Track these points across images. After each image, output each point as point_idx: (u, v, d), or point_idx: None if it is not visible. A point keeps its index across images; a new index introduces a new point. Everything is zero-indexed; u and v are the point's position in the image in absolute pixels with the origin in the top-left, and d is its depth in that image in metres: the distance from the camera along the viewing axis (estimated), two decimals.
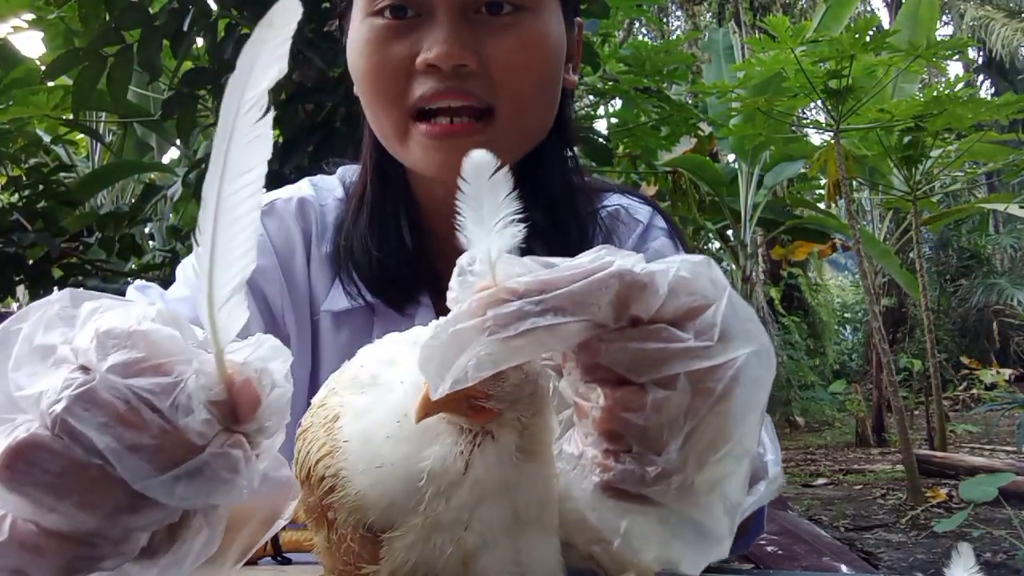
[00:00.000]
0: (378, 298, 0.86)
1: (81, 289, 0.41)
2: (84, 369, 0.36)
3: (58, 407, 0.34)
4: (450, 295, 0.41)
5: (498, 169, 0.41)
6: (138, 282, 0.83)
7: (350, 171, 0.96)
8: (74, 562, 0.35)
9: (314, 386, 0.87)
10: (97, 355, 0.35)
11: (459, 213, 0.41)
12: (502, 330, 0.37)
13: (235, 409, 0.37)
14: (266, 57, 0.39)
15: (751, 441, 0.39)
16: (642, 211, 0.95)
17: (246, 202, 0.39)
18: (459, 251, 0.96)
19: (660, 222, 0.95)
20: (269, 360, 0.39)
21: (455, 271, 0.41)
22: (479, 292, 0.39)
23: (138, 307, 0.38)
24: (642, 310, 0.38)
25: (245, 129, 0.39)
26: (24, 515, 0.35)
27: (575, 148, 0.96)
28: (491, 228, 0.41)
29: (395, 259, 0.86)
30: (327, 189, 0.94)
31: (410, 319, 0.86)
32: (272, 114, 0.37)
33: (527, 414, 0.46)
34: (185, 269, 0.87)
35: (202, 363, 0.37)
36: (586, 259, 0.40)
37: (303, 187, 0.94)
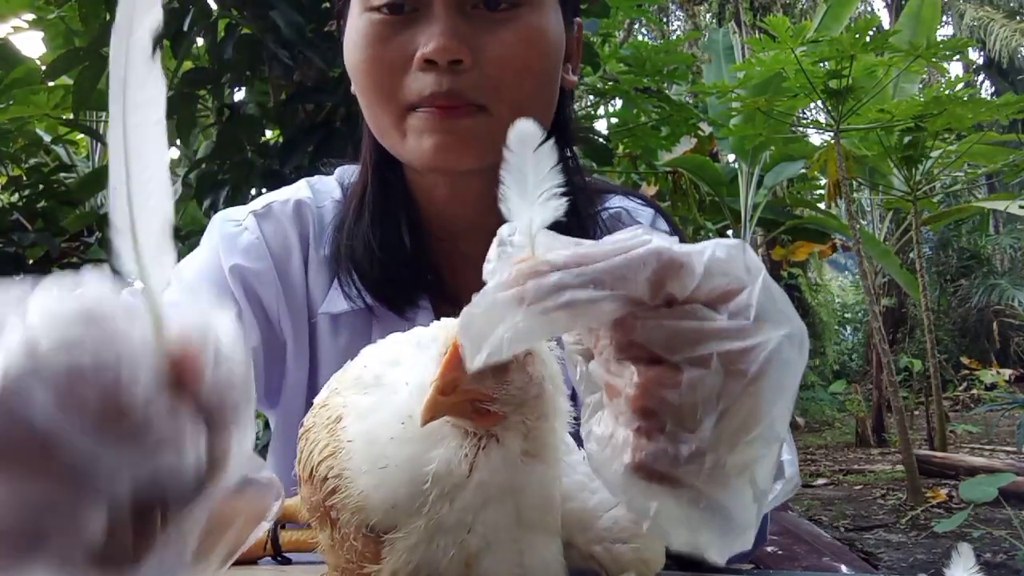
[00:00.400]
0: (377, 300, 0.86)
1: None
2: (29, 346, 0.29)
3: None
4: (487, 267, 0.41)
5: (544, 141, 0.41)
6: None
7: (348, 172, 0.96)
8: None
9: (312, 389, 0.87)
10: (43, 328, 0.29)
11: (502, 183, 0.41)
12: (540, 301, 0.37)
13: (179, 376, 0.30)
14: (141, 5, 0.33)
15: (781, 426, 0.39)
16: (644, 213, 0.95)
17: (154, 143, 0.33)
18: (459, 252, 0.96)
19: (663, 224, 0.95)
20: (210, 316, 0.32)
21: (494, 242, 0.41)
22: (518, 263, 0.39)
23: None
24: (678, 289, 0.38)
25: (139, 68, 0.33)
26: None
27: (575, 148, 0.96)
28: (534, 200, 0.40)
29: (395, 261, 0.85)
30: (325, 191, 0.94)
31: (409, 322, 0.85)
32: (158, 55, 0.32)
33: (532, 417, 0.46)
34: (180, 275, 0.87)
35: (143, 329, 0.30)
36: (624, 236, 0.40)
37: (300, 189, 0.93)
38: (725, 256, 0.39)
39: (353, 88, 0.86)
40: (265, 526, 0.39)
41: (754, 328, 0.38)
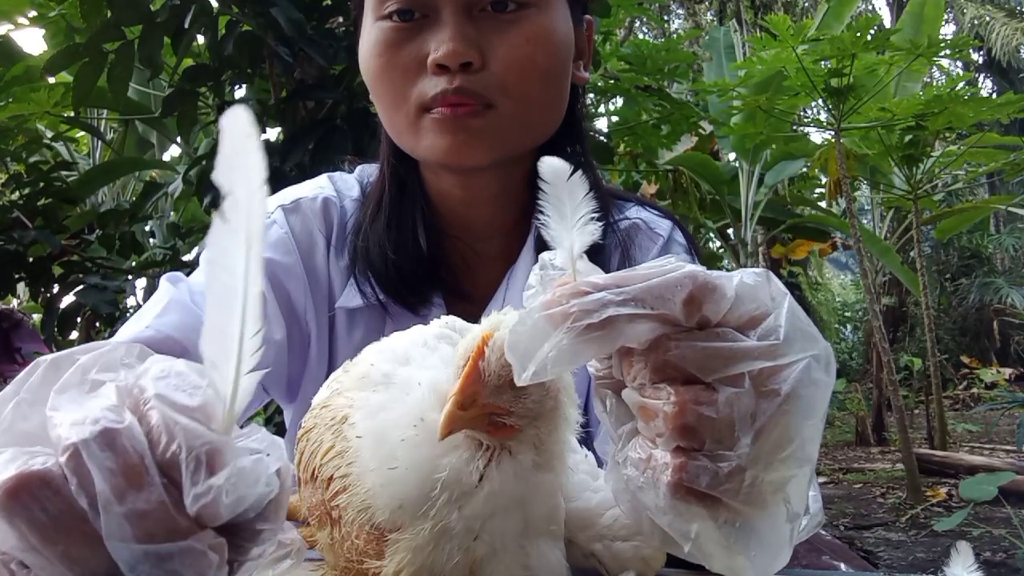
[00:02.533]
0: (391, 298, 0.87)
1: (149, 353, 0.38)
2: (118, 411, 0.34)
3: (76, 436, 0.32)
4: (528, 292, 0.43)
5: (573, 172, 0.44)
6: (170, 274, 0.85)
7: (368, 171, 0.98)
8: None
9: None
10: (153, 383, 0.34)
11: (541, 212, 0.44)
12: (586, 316, 0.39)
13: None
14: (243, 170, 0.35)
15: (812, 446, 0.41)
16: (662, 225, 0.96)
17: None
18: (473, 251, 0.98)
19: (679, 236, 0.96)
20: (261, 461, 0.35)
21: (536, 266, 0.44)
22: (560, 285, 0.41)
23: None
24: (711, 312, 0.40)
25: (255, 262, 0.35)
26: (6, 546, 0.33)
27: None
28: (573, 225, 0.43)
29: (409, 260, 0.87)
30: (345, 190, 0.96)
31: (423, 319, 0.87)
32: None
33: (546, 430, 0.46)
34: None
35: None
36: (658, 263, 0.42)
37: (325, 186, 0.95)
38: (752, 283, 0.41)
39: (371, 94, 0.88)
40: None
41: (784, 348, 0.39)
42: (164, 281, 0.84)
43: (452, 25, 0.78)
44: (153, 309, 0.80)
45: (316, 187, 0.95)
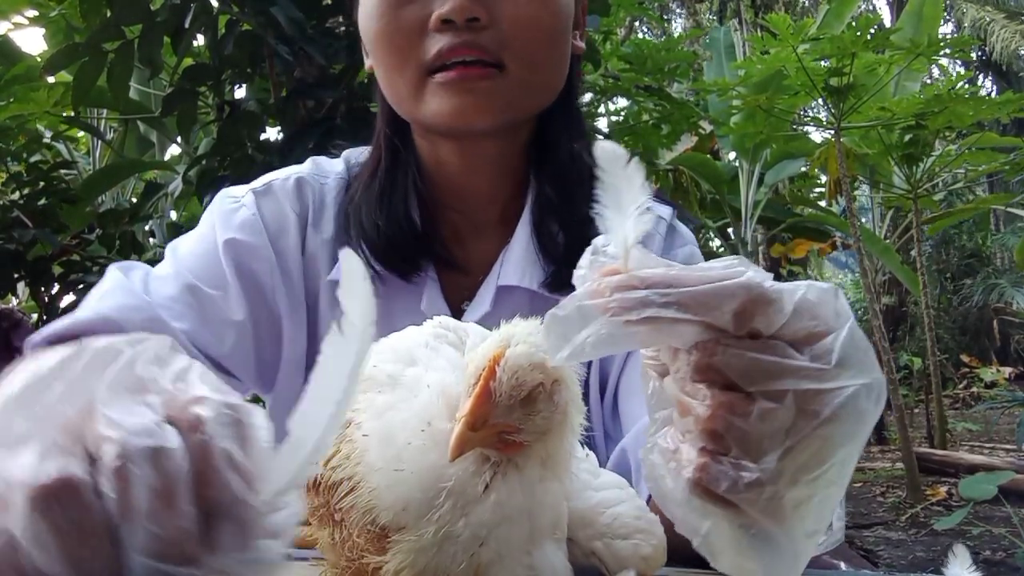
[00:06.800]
0: (384, 267, 0.87)
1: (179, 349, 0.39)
2: (167, 429, 0.34)
3: (126, 447, 0.32)
4: (578, 272, 0.42)
5: (631, 159, 0.42)
6: (122, 263, 0.85)
7: (355, 152, 0.98)
8: None
9: (311, 361, 0.88)
10: (210, 415, 0.34)
11: (598, 200, 0.42)
12: (624, 313, 0.38)
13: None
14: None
15: (844, 472, 0.40)
16: (663, 210, 0.96)
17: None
18: (469, 222, 0.98)
19: (681, 226, 0.96)
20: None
21: (588, 250, 0.42)
22: (608, 274, 0.40)
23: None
24: (764, 324, 0.39)
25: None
26: (23, 543, 0.32)
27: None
28: (629, 214, 0.41)
29: (401, 231, 0.87)
30: (329, 168, 0.96)
31: (417, 287, 0.87)
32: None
33: (554, 445, 0.46)
34: (174, 249, 0.89)
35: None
36: (719, 265, 0.40)
37: (302, 167, 0.95)
38: (816, 299, 0.40)
39: (368, 65, 0.88)
40: None
41: (834, 373, 0.38)
42: (113, 269, 0.84)
43: None
44: (96, 294, 0.81)
45: (291, 170, 0.95)
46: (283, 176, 0.93)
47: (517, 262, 0.87)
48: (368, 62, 0.89)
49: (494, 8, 0.79)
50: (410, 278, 0.87)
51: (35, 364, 0.37)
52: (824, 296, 0.40)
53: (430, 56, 0.80)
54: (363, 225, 0.87)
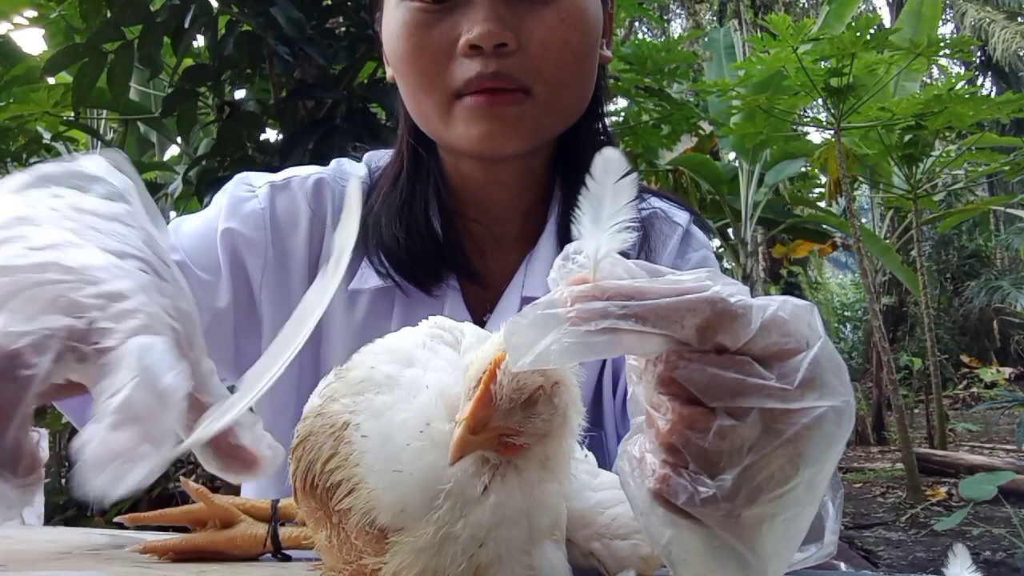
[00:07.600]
0: (404, 278, 0.86)
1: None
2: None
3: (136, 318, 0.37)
4: (551, 275, 0.42)
5: (627, 174, 0.41)
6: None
7: (377, 156, 0.97)
8: None
9: (316, 366, 0.87)
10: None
11: (578, 207, 0.42)
12: (582, 323, 0.38)
13: None
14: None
15: (813, 492, 0.39)
16: (680, 215, 0.95)
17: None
18: (491, 234, 0.97)
19: (698, 232, 0.95)
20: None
21: (560, 256, 0.42)
22: (576, 283, 0.40)
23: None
24: (729, 340, 0.38)
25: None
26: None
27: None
28: (605, 228, 0.41)
29: (422, 242, 0.86)
30: (351, 171, 0.95)
31: (438, 299, 0.86)
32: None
33: (553, 447, 0.46)
34: (178, 226, 0.89)
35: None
36: (688, 277, 0.39)
37: (326, 168, 0.95)
38: (788, 316, 0.39)
39: (390, 75, 0.87)
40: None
41: (799, 392, 0.38)
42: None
43: (486, 6, 0.77)
44: None
45: (313, 169, 0.94)
46: (304, 174, 0.93)
47: (542, 274, 0.86)
48: (390, 72, 0.88)
49: (522, 32, 0.78)
50: (431, 290, 0.86)
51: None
52: (799, 312, 0.39)
53: (458, 83, 0.79)
54: (382, 235, 0.87)
